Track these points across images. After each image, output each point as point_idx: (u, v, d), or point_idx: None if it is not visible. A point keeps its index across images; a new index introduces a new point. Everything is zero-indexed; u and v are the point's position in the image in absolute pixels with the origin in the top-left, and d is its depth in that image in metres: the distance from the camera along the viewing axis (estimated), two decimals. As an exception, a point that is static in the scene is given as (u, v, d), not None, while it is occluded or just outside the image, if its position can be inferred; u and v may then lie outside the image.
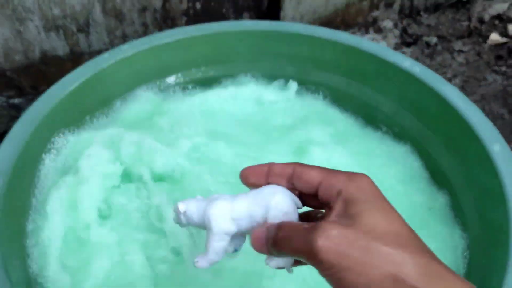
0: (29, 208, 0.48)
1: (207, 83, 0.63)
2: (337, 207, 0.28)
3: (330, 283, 0.26)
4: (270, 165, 0.32)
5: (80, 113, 0.52)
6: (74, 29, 0.74)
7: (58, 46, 0.75)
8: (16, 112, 0.76)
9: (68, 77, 0.49)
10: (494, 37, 0.96)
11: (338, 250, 0.25)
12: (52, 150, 0.52)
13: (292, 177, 0.31)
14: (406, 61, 0.51)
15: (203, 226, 0.32)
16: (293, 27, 0.57)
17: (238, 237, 0.32)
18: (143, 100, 0.59)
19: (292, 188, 0.31)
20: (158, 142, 0.52)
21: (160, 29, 0.80)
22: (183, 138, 0.54)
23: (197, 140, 0.54)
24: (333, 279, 0.26)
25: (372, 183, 0.29)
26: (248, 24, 0.58)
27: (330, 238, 0.26)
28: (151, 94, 0.59)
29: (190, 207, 0.32)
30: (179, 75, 0.60)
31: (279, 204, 0.31)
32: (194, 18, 0.81)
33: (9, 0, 0.67)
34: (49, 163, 0.52)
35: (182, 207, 0.32)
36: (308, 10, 0.86)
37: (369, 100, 0.58)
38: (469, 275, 0.47)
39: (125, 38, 0.78)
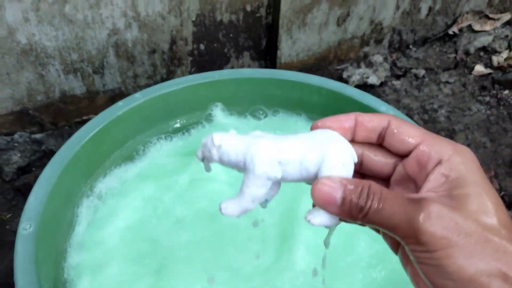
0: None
1: (210, 120, 0.71)
2: (435, 181, 0.26)
3: (422, 267, 0.24)
4: (357, 115, 0.28)
5: (99, 155, 0.59)
6: (90, 71, 0.82)
7: (76, 86, 0.83)
8: (37, 147, 0.83)
9: (87, 125, 0.56)
10: (479, 68, 1.02)
11: (446, 235, 0.23)
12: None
13: (385, 132, 0.28)
14: (382, 106, 0.58)
15: (240, 166, 0.27)
16: (285, 74, 0.65)
17: (274, 185, 0.29)
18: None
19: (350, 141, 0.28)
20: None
21: (168, 69, 0.87)
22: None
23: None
24: (430, 264, 0.23)
25: (477, 160, 0.26)
26: (247, 72, 0.65)
27: (439, 219, 0.23)
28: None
29: (227, 141, 0.27)
30: (185, 117, 0.67)
31: (339, 153, 0.27)
32: (199, 58, 0.88)
33: (33, 47, 0.75)
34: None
35: (217, 139, 0.27)
36: (303, 48, 0.93)
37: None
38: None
39: (136, 78, 0.86)
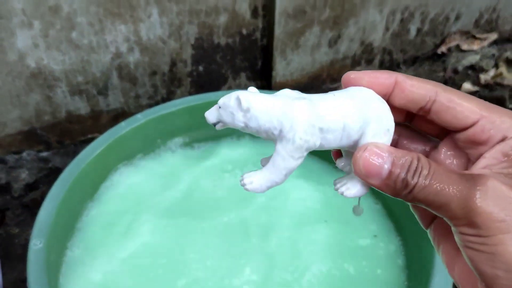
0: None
1: (209, 139, 0.75)
2: (493, 158, 0.23)
3: (471, 253, 0.21)
4: (398, 75, 0.25)
5: (104, 170, 0.64)
6: (95, 92, 0.87)
7: (81, 106, 0.87)
8: (44, 165, 0.88)
9: (94, 143, 0.60)
10: (467, 86, 1.07)
11: (505, 218, 0.20)
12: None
13: (431, 105, 0.24)
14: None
15: (272, 134, 0.23)
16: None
17: None
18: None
19: None
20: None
21: (168, 89, 0.92)
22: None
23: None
24: (482, 250, 0.21)
25: None
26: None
27: (498, 199, 0.20)
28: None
29: (258, 104, 0.23)
30: (184, 136, 0.72)
31: (382, 118, 0.24)
32: (198, 79, 0.93)
33: (41, 71, 0.79)
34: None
35: (246, 101, 0.23)
36: (297, 68, 0.98)
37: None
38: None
39: (138, 98, 0.91)
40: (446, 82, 1.08)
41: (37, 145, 0.88)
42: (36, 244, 0.52)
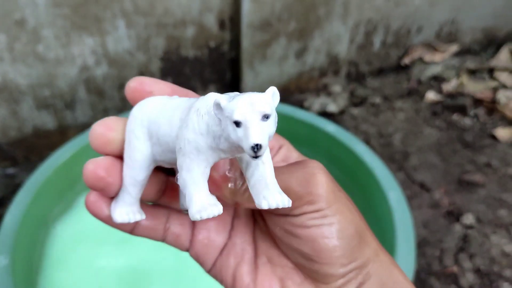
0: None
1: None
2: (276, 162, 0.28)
3: (313, 232, 0.24)
4: (187, 91, 0.27)
5: (70, 180, 0.63)
6: (62, 107, 0.86)
7: (48, 121, 0.87)
8: (10, 181, 0.86)
9: (59, 151, 0.60)
10: (430, 95, 1.10)
11: (333, 188, 0.24)
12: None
13: None
14: (330, 126, 0.64)
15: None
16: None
17: None
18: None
19: None
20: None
21: (137, 102, 0.92)
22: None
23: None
24: (322, 223, 0.24)
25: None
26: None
27: (327, 175, 0.24)
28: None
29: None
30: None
31: None
32: (167, 91, 0.94)
33: (7, 85, 0.79)
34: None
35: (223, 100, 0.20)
36: (265, 80, 1.00)
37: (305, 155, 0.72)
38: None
39: (106, 112, 0.90)
40: (410, 92, 1.12)
41: (3, 161, 0.86)
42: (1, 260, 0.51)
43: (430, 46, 1.18)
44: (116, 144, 0.25)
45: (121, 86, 0.88)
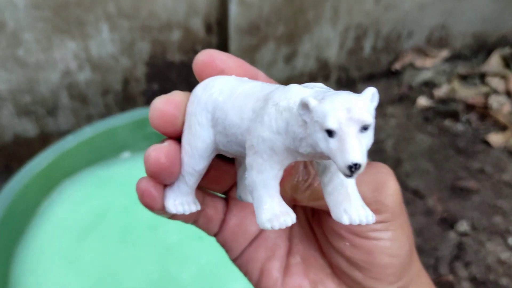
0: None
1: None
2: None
3: (369, 244, 0.22)
4: (257, 71, 0.24)
5: (49, 185, 0.60)
6: (44, 113, 0.83)
7: (29, 128, 0.84)
8: (-11, 190, 0.83)
9: (39, 157, 0.57)
10: (422, 101, 1.09)
11: (401, 201, 0.22)
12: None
13: None
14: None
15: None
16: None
17: None
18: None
19: None
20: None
21: (122, 108, 0.90)
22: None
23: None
24: (381, 237, 0.22)
25: None
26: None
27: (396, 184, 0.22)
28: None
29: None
30: (133, 150, 0.69)
31: None
32: (152, 97, 0.91)
33: (-15, 91, 0.76)
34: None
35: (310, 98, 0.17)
36: (254, 86, 0.97)
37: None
38: None
39: (90, 118, 0.88)
40: (401, 98, 1.10)
41: (-19, 170, 0.83)
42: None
43: (421, 51, 1.17)
44: (180, 125, 0.22)
45: (105, 92, 0.86)
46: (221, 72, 0.22)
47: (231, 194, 0.26)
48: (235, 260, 0.26)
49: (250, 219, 0.26)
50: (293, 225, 0.26)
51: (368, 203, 0.21)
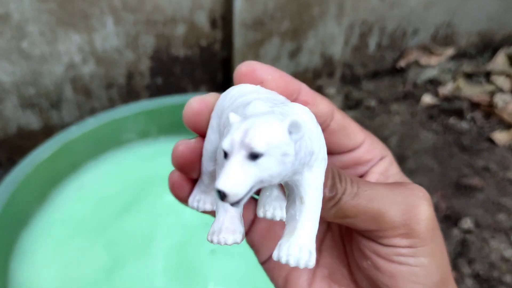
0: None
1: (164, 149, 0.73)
2: (380, 173, 0.24)
3: (394, 268, 0.21)
4: (302, 85, 0.23)
5: (52, 176, 0.60)
6: (48, 106, 0.83)
7: (33, 121, 0.84)
8: (-7, 182, 0.83)
9: (40, 148, 0.57)
10: (426, 99, 1.08)
11: (433, 225, 0.21)
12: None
13: (329, 125, 0.23)
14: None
15: (304, 162, 0.17)
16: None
17: None
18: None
19: None
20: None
21: (126, 102, 0.89)
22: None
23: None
24: (408, 262, 0.21)
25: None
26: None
27: (431, 209, 0.21)
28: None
29: (309, 120, 0.17)
30: (137, 143, 0.69)
31: None
32: (156, 92, 0.91)
33: (-11, 83, 0.76)
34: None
35: (303, 122, 0.16)
36: (258, 82, 0.97)
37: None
38: None
39: (93, 112, 0.88)
40: (406, 95, 1.10)
41: (-15, 162, 0.83)
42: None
43: (426, 49, 1.16)
44: (207, 125, 0.22)
45: (109, 85, 0.86)
46: (260, 83, 0.22)
47: None
48: (262, 264, 0.26)
49: (280, 224, 0.25)
50: (325, 237, 0.26)
51: (397, 226, 0.20)
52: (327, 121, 0.23)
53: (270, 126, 0.15)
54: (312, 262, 0.17)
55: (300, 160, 0.16)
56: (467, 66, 1.17)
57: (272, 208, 0.21)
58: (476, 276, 0.70)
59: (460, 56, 1.20)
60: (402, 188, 0.21)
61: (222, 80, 0.96)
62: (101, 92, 0.86)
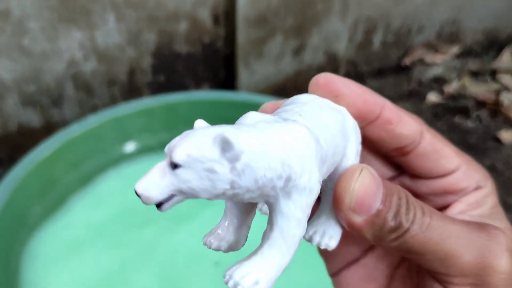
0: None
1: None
2: (469, 204, 0.21)
3: None
4: (386, 103, 0.22)
5: (52, 177, 0.59)
6: (49, 103, 0.82)
7: (34, 119, 0.83)
8: (-7, 180, 0.82)
9: (41, 146, 0.56)
10: (431, 97, 1.07)
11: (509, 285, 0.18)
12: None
13: (415, 148, 0.21)
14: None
15: (269, 189, 0.15)
16: (239, 96, 0.67)
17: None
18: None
19: None
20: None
21: (128, 100, 0.89)
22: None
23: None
24: None
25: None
26: (198, 95, 0.67)
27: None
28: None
29: (251, 141, 0.15)
30: (139, 139, 0.68)
31: (357, 135, 0.20)
32: (158, 89, 0.90)
33: (-11, 80, 0.75)
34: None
35: (236, 140, 0.14)
36: (261, 78, 0.96)
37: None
38: None
39: (95, 109, 0.87)
40: (411, 93, 1.08)
41: (-15, 160, 0.83)
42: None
43: (431, 47, 1.15)
44: None
45: (111, 83, 0.85)
46: (335, 97, 0.21)
47: None
48: (331, 276, 0.25)
49: (353, 240, 0.23)
50: (400, 265, 0.23)
51: (468, 274, 0.18)
52: (415, 142, 0.21)
53: (198, 139, 0.15)
54: None
55: (250, 190, 0.15)
56: (473, 64, 1.16)
57: (312, 231, 0.19)
58: (483, 277, 0.69)
59: (465, 54, 1.18)
60: (483, 231, 0.18)
61: (224, 77, 0.95)
62: (103, 90, 0.85)
